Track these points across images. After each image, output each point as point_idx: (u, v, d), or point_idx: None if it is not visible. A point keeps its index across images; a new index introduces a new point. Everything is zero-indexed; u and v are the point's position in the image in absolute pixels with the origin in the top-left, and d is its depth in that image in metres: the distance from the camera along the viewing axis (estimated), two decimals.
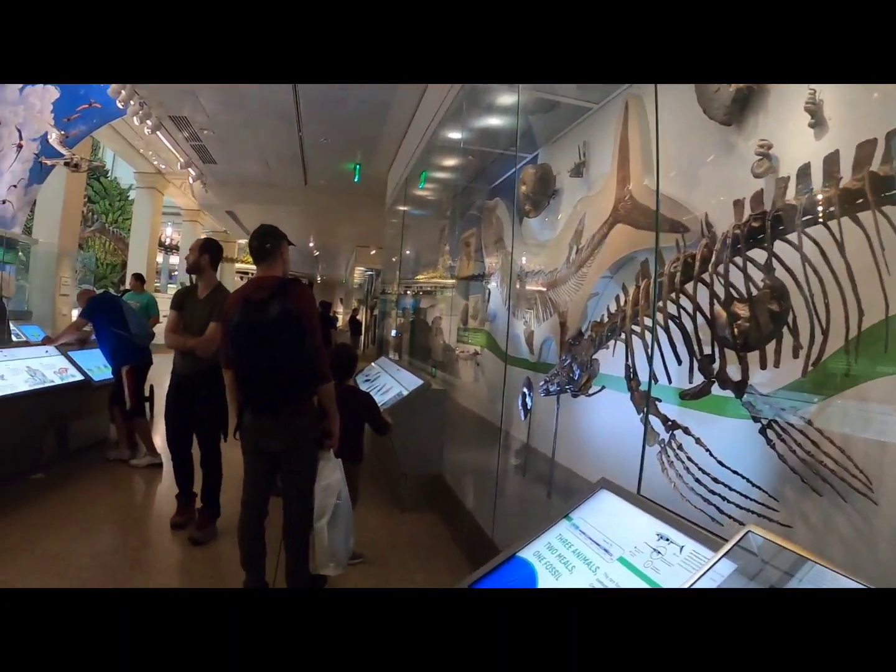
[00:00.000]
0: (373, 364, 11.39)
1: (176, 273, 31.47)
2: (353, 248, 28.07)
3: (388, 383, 8.66)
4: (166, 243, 33.92)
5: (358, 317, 33.53)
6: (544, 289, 6.15)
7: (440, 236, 12.50)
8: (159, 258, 31.55)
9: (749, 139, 3.27)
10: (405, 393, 7.46)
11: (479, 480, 6.42)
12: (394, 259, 15.33)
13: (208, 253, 5.78)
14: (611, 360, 4.52)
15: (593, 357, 4.69)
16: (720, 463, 3.06)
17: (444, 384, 8.73)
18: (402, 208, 13.26)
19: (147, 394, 9.72)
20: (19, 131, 12.83)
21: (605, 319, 4.51)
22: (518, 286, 6.80)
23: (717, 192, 3.54)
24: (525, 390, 5.88)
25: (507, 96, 6.69)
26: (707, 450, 3.17)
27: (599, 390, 4.72)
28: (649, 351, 3.64)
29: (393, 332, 16.16)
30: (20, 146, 13.05)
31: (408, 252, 14.28)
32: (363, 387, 8.79)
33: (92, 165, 16.15)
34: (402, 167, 12.48)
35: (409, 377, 8.11)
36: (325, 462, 4.36)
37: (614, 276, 4.84)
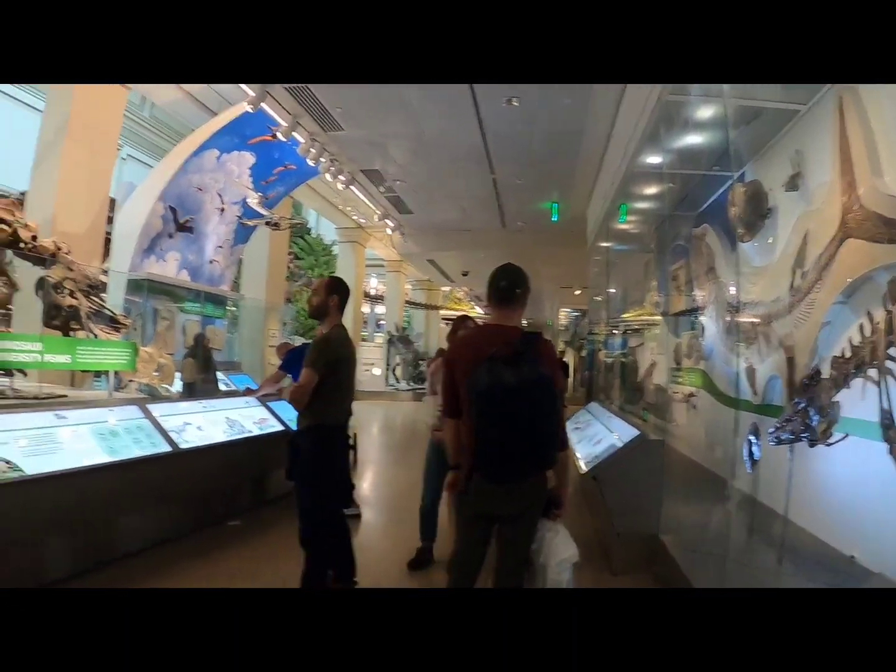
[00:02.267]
0: (582, 410, 10.81)
1: (383, 322, 32.17)
2: (557, 289, 27.63)
3: (599, 433, 8.00)
4: (371, 294, 34.94)
5: (565, 359, 33.12)
6: (765, 320, 5.45)
7: (645, 271, 11.85)
8: (365, 308, 32.68)
9: None
10: (619, 444, 6.81)
11: (698, 541, 5.70)
12: (599, 298, 14.75)
13: (337, 294, 4.85)
14: (858, 402, 3.77)
15: (833, 399, 3.95)
16: None
17: (657, 429, 7.99)
18: (604, 244, 12.64)
19: (351, 443, 9.66)
20: (220, 196, 13.45)
21: (848, 354, 3.75)
22: (735, 319, 6.10)
23: None
24: (751, 438, 5.15)
25: (705, 109, 6.02)
26: None
27: (842, 438, 3.97)
28: None
29: (601, 374, 15.52)
30: (223, 210, 13.73)
31: (613, 290, 13.63)
32: (573, 436, 8.24)
33: (292, 223, 16.67)
34: (600, 201, 11.86)
35: (622, 426, 7.42)
36: (554, 534, 3.76)
37: (850, 301, 4.11)
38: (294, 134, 11.21)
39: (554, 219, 15.23)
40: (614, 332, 14.55)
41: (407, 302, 32.33)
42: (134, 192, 12.86)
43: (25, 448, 4.97)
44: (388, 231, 18.30)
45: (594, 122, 9.99)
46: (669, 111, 6.45)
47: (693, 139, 6.81)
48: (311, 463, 4.54)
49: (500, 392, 3.38)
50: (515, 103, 9.53)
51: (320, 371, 4.31)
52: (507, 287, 3.68)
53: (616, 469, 6.27)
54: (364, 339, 29.60)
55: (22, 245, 7.05)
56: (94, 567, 5.40)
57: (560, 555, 3.60)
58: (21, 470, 4.71)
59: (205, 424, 7.17)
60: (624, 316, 14.14)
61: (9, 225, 6.96)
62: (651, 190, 9.20)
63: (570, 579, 3.63)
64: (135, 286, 11.92)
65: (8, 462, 4.69)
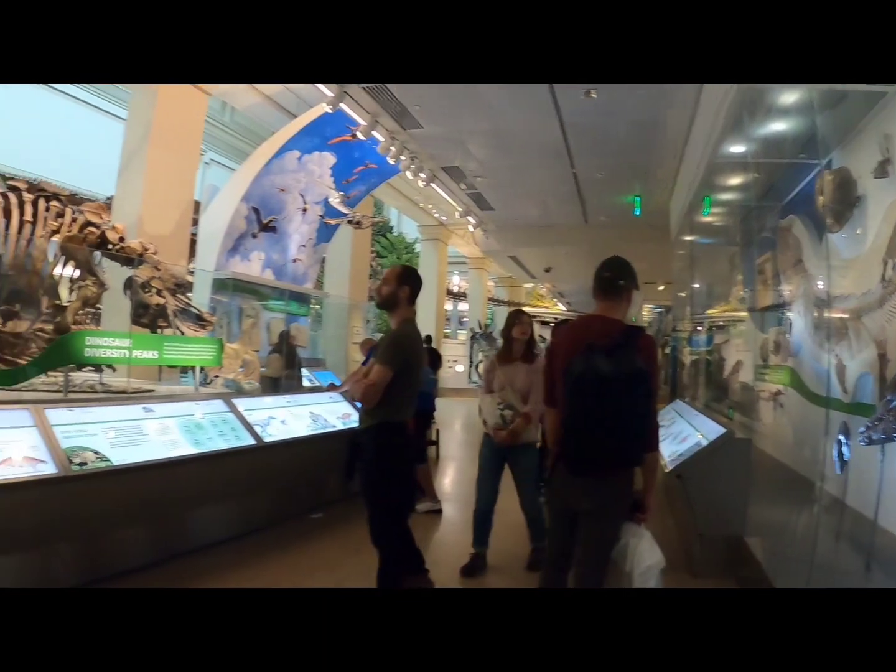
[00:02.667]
0: (667, 408, 10.62)
1: (466, 319, 32.21)
2: (640, 284, 27.06)
3: (684, 431, 7.83)
4: (454, 291, 35.00)
5: None
6: (855, 315, 5.25)
7: (731, 265, 11.57)
8: (448, 306, 32.83)
9: None
10: (704, 443, 6.65)
11: (784, 544, 5.51)
12: (683, 294, 14.42)
13: (408, 284, 4.49)
14: None
15: None
16: None
17: (743, 427, 7.80)
18: (688, 238, 12.33)
19: (434, 438, 9.69)
20: (303, 196, 13.67)
21: None
22: (824, 314, 5.90)
23: None
24: (841, 438, 4.96)
25: (788, 93, 5.81)
26: None
27: None
28: None
29: (685, 372, 15.21)
30: (305, 209, 13.95)
31: (697, 285, 13.30)
32: None
33: (374, 222, 16.79)
34: (683, 194, 11.55)
35: (707, 423, 7.23)
36: (638, 540, 3.65)
37: None
38: (374, 133, 11.26)
39: (636, 213, 14.92)
40: (699, 328, 14.23)
41: (489, 299, 32.31)
42: (218, 195, 13.15)
43: (113, 439, 5.14)
44: (470, 228, 18.21)
45: (674, 111, 9.74)
46: (751, 97, 6.25)
47: (777, 126, 6.58)
48: (380, 461, 4.32)
49: (592, 382, 3.33)
50: (594, 95, 9.36)
51: (396, 369, 4.17)
52: (610, 279, 3.67)
53: (701, 467, 6.14)
54: (447, 337, 29.71)
55: (110, 246, 7.26)
56: (176, 556, 5.55)
57: (646, 561, 3.47)
58: (108, 460, 4.86)
59: (289, 419, 7.35)
60: (709, 312, 13.82)
61: (97, 227, 7.19)
62: (735, 180, 8.94)
63: (657, 586, 3.53)
64: (220, 285, 12.17)
65: (96, 452, 4.85)
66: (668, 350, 23.92)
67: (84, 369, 7.08)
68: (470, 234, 20.01)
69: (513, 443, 5.66)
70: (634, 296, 3.74)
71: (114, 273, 7.75)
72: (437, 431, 10.15)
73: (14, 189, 6.86)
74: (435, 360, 12.69)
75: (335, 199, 14.08)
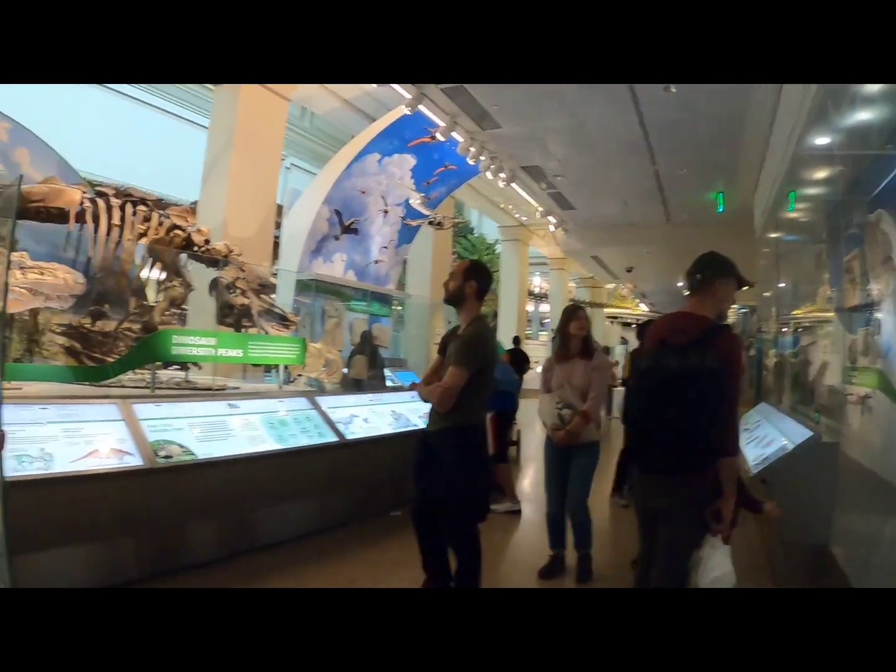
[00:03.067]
0: (752, 411, 10.38)
1: (547, 320, 31.99)
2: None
3: (769, 434, 7.62)
4: (535, 292, 34.80)
5: None
6: None
7: (817, 263, 11.25)
8: (529, 306, 32.69)
9: None
10: (790, 447, 6.45)
11: (870, 554, 5.30)
12: (768, 294, 14.06)
13: (475, 279, 4.40)
14: None
15: None
16: None
17: (829, 431, 7.59)
18: (772, 235, 11.98)
19: (515, 439, 9.68)
20: (384, 198, 13.80)
21: None
22: None
23: None
24: None
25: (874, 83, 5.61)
26: None
27: None
28: None
29: (770, 374, 14.86)
30: (386, 211, 14.11)
31: (782, 285, 12.94)
32: (741, 437, 7.84)
33: (455, 223, 16.82)
34: (767, 189, 11.21)
35: (793, 427, 6.99)
36: (713, 549, 3.54)
37: None
38: (453, 134, 11.31)
39: (720, 210, 14.66)
40: (784, 329, 13.87)
41: (571, 300, 32.02)
42: (300, 198, 13.37)
43: (199, 434, 5.29)
44: (551, 228, 18.06)
45: (756, 102, 9.54)
46: (836, 86, 6.07)
47: (863, 116, 6.39)
48: (458, 464, 4.21)
49: (658, 378, 3.31)
50: (673, 90, 9.24)
51: (471, 371, 4.11)
52: (691, 273, 3.62)
53: (786, 472, 5.90)
54: (528, 338, 29.56)
55: (196, 248, 7.45)
56: (256, 550, 5.67)
57: (710, 574, 3.37)
58: (193, 454, 5.00)
59: (371, 417, 7.44)
60: (794, 312, 13.45)
61: (183, 230, 7.39)
62: (820, 174, 8.68)
63: None
64: (303, 286, 12.39)
65: (182, 446, 4.99)
66: (752, 351, 23.43)
67: (170, 367, 7.28)
68: (551, 234, 19.86)
69: (571, 443, 5.48)
70: (723, 290, 3.58)
71: (199, 274, 7.95)
72: (518, 432, 10.12)
73: (102, 195, 7.08)
74: (522, 361, 12.74)
75: (416, 201, 14.21)
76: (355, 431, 6.94)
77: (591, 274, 29.95)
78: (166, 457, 4.82)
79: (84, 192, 6.99)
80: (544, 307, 34.64)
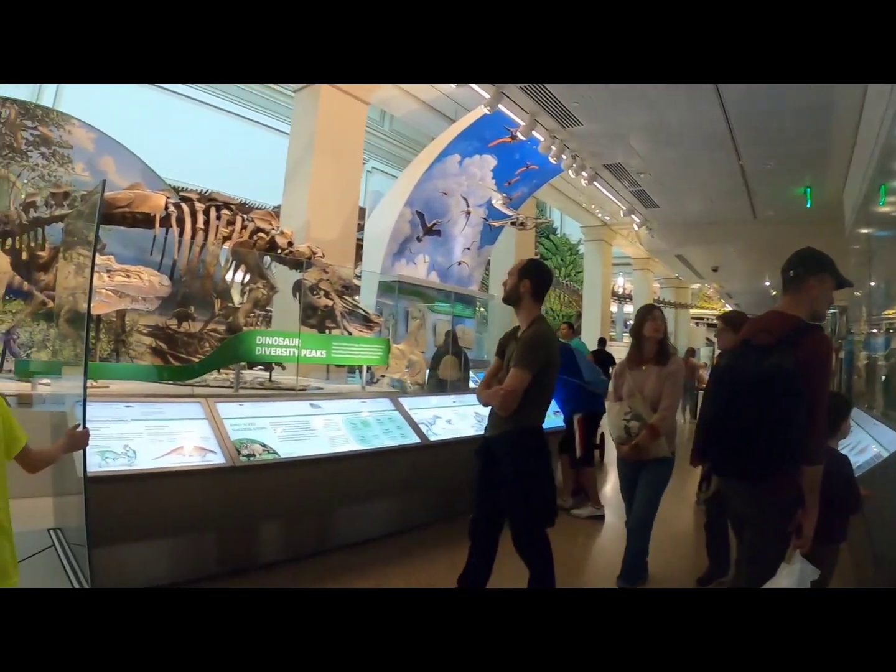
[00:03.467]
0: None
1: (631, 322, 31.71)
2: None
3: (862, 441, 7.28)
4: (619, 293, 34.30)
5: None
6: None
7: None
8: (613, 308, 32.25)
9: None
10: (884, 454, 6.13)
11: None
12: (858, 293, 13.55)
13: (530, 277, 4.15)
14: None
15: None
16: None
17: None
18: (864, 231, 11.56)
19: (598, 441, 9.56)
20: (465, 199, 13.74)
21: None
22: None
23: None
24: None
25: None
26: None
27: None
28: None
29: (861, 377, 14.31)
30: (468, 212, 14.01)
31: (874, 283, 12.42)
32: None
33: (537, 223, 16.62)
34: (857, 182, 10.78)
35: (887, 433, 6.69)
36: (784, 566, 3.31)
37: None
38: (533, 133, 11.22)
39: (808, 205, 14.21)
40: (875, 330, 13.31)
41: (655, 300, 31.46)
42: (382, 200, 13.45)
43: (281, 434, 5.32)
44: (635, 227, 17.71)
45: (844, 92, 9.05)
46: None
47: None
48: (522, 469, 4.01)
49: (732, 377, 3.23)
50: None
51: (533, 372, 3.92)
52: (784, 270, 3.40)
53: (879, 482, 5.56)
54: (612, 340, 29.11)
55: (279, 251, 7.54)
56: (335, 550, 5.67)
57: (775, 583, 3.18)
58: (276, 453, 5.04)
59: (454, 419, 7.38)
60: (886, 312, 12.89)
61: (266, 233, 7.49)
62: None
63: None
64: (386, 288, 12.42)
65: (264, 445, 5.02)
66: (842, 354, 22.62)
67: (255, 368, 7.38)
68: (634, 233, 19.58)
69: (638, 459, 5.11)
70: (818, 289, 3.33)
71: (283, 277, 8.04)
72: (602, 435, 9.97)
73: (186, 200, 7.23)
74: (607, 362, 12.61)
75: (498, 202, 14.12)
76: (438, 433, 6.90)
77: (676, 274, 29.35)
78: (249, 455, 4.87)
79: (168, 198, 7.14)
80: (629, 308, 34.13)
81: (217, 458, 4.70)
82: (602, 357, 15.40)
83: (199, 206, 7.17)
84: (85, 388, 3.81)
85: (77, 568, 4.45)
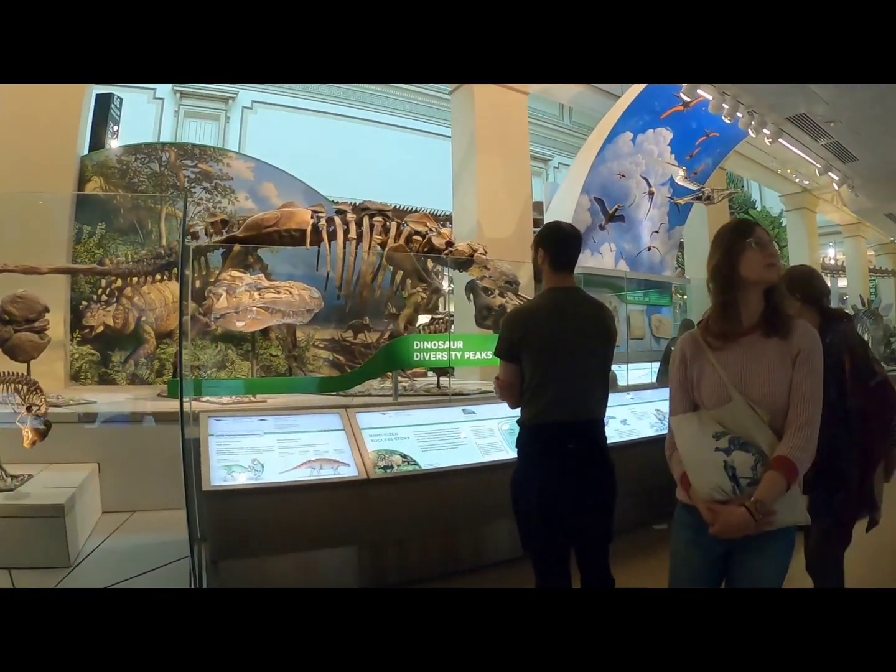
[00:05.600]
0: None
1: (846, 297, 29.05)
2: None
3: None
4: (830, 265, 31.46)
5: None
6: None
7: None
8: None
9: None
10: None
11: None
12: None
13: (543, 246, 3.35)
14: None
15: None
16: None
17: None
18: None
19: None
20: (646, 179, 13.04)
21: None
22: None
23: None
24: None
25: None
26: None
27: None
28: None
29: None
30: (651, 193, 13.27)
31: None
32: None
33: (726, 195, 15.21)
34: None
35: None
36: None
37: None
38: (698, 92, 10.48)
39: None
40: None
41: (870, 270, 28.63)
42: (557, 191, 13.07)
43: (425, 443, 5.10)
44: (834, 186, 16.07)
45: None
46: None
47: None
48: (517, 467, 3.37)
49: None
50: None
51: (503, 357, 3.30)
52: None
53: None
54: None
55: (439, 253, 7.41)
56: (490, 565, 5.22)
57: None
58: (416, 464, 4.83)
59: (630, 418, 6.69)
60: None
61: (423, 236, 7.36)
62: None
63: None
64: None
65: (404, 456, 4.83)
66: None
67: (429, 374, 7.27)
68: (836, 194, 17.89)
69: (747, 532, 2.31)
70: None
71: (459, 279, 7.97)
72: None
73: (341, 213, 7.33)
74: None
75: (680, 177, 13.28)
76: (610, 435, 6.30)
77: (891, 237, 26.70)
78: (386, 467, 4.67)
79: (316, 212, 7.20)
80: (842, 283, 31.37)
81: (350, 471, 4.54)
82: None
83: (352, 217, 7.17)
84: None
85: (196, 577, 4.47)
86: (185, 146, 9.46)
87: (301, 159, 12.49)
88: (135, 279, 7.97)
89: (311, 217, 7.04)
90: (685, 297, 15.34)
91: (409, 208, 8.49)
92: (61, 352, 7.89)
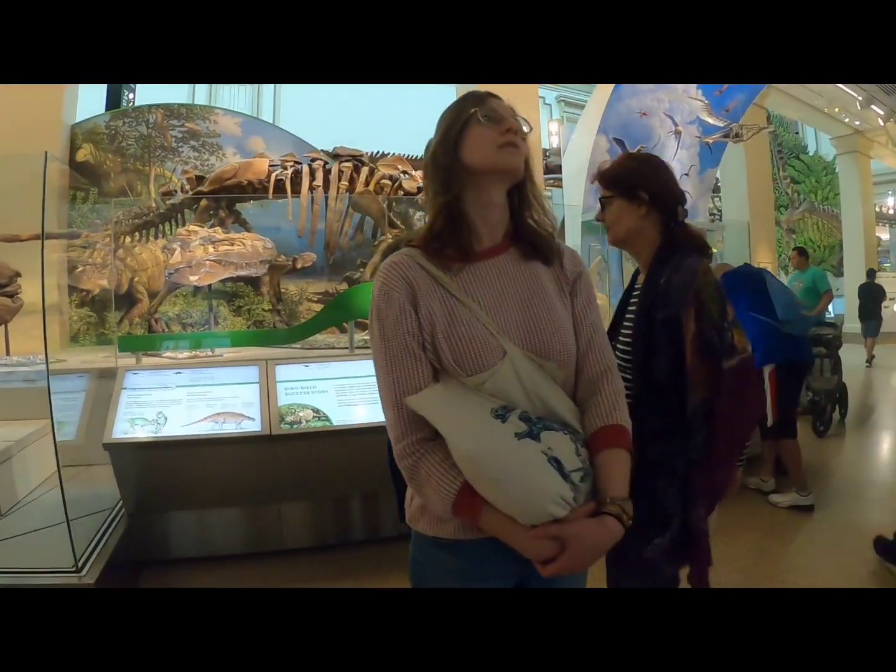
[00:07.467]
0: None
1: None
2: None
3: None
4: (889, 215, 29.25)
5: None
6: None
7: None
8: (884, 234, 27.34)
9: None
10: None
11: None
12: None
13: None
14: None
15: None
16: None
17: None
18: None
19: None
20: (671, 117, 12.42)
21: None
22: None
23: None
24: None
25: None
26: None
27: None
28: None
29: None
30: (678, 132, 12.66)
31: None
32: None
33: (758, 131, 14.23)
34: None
35: None
36: None
37: None
38: None
39: None
40: None
41: None
42: (573, 132, 12.66)
43: (344, 398, 4.86)
44: (880, 122, 15.12)
45: None
46: None
47: None
48: None
49: None
50: None
51: None
52: None
53: None
54: (882, 269, 24.14)
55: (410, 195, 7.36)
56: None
57: None
58: (328, 420, 4.59)
59: None
60: None
61: (393, 180, 7.31)
62: None
63: None
64: (590, 228, 11.60)
65: (316, 411, 4.62)
66: None
67: None
68: (885, 132, 16.76)
69: None
70: None
71: None
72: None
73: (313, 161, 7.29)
74: (880, 297, 11.38)
75: (705, 113, 12.70)
76: None
77: None
78: (294, 423, 4.46)
79: (273, 162, 7.18)
80: None
81: (253, 426, 4.36)
82: (872, 291, 13.94)
83: (319, 164, 7.07)
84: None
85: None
86: (172, 106, 9.42)
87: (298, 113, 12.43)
88: (128, 239, 8.04)
89: (266, 167, 6.97)
90: (721, 242, 14.69)
91: (413, 157, 8.20)
92: (57, 315, 8.03)
